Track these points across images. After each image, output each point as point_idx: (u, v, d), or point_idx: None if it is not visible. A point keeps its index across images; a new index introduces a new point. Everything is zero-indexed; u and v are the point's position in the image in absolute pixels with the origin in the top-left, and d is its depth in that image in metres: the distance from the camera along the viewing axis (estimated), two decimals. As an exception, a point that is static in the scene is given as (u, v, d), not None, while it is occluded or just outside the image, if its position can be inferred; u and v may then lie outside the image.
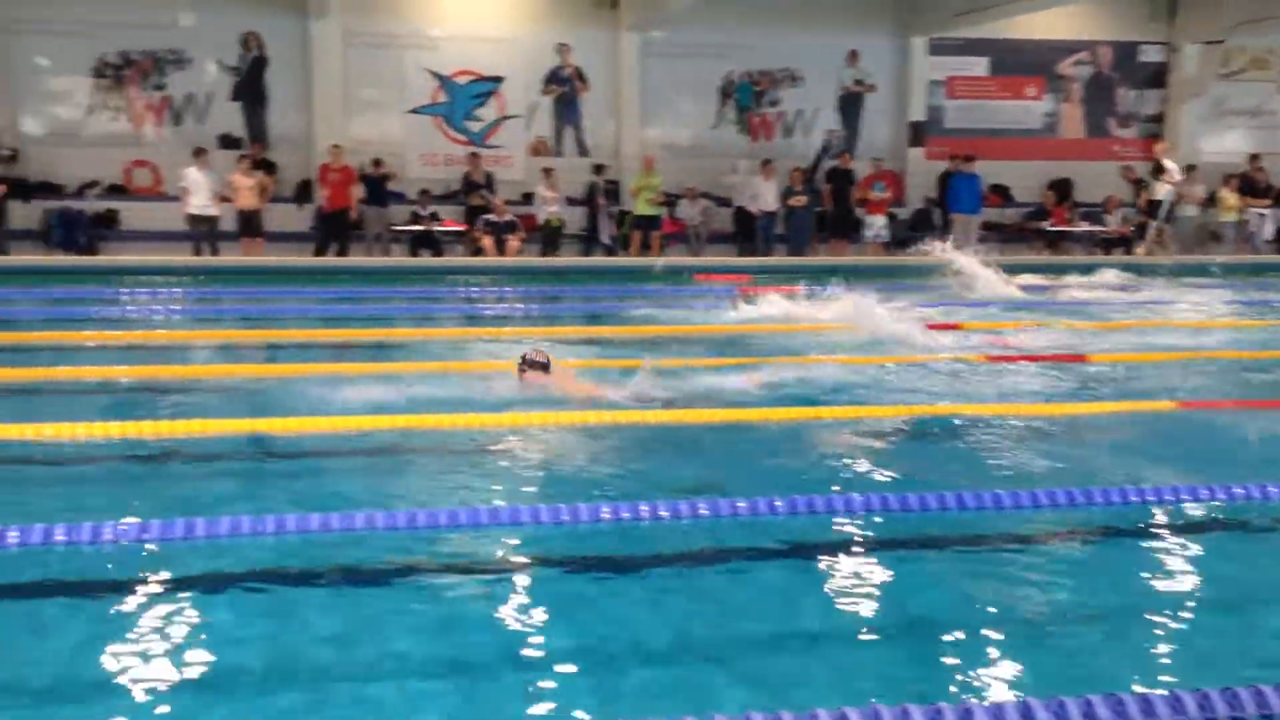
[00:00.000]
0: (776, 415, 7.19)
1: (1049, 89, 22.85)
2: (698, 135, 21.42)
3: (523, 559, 4.81)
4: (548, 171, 19.05)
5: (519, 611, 4.29)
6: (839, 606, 4.44)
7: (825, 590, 4.58)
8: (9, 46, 18.75)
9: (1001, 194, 21.85)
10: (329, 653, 3.91)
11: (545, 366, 7.45)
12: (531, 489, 5.81)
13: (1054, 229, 20.86)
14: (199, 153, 17.30)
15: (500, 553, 4.88)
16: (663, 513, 5.15)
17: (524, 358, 7.48)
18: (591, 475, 5.97)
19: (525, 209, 19.00)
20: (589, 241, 19.57)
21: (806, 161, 20.74)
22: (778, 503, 5.26)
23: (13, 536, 4.64)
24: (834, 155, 20.86)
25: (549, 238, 18.70)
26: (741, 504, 5.22)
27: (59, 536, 4.68)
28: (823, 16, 21.31)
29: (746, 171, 20.14)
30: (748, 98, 21.56)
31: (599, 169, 19.91)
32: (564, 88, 20.63)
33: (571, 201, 19.53)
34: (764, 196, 19.41)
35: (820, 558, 4.88)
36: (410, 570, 4.65)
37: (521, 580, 4.60)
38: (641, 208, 18.80)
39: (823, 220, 19.85)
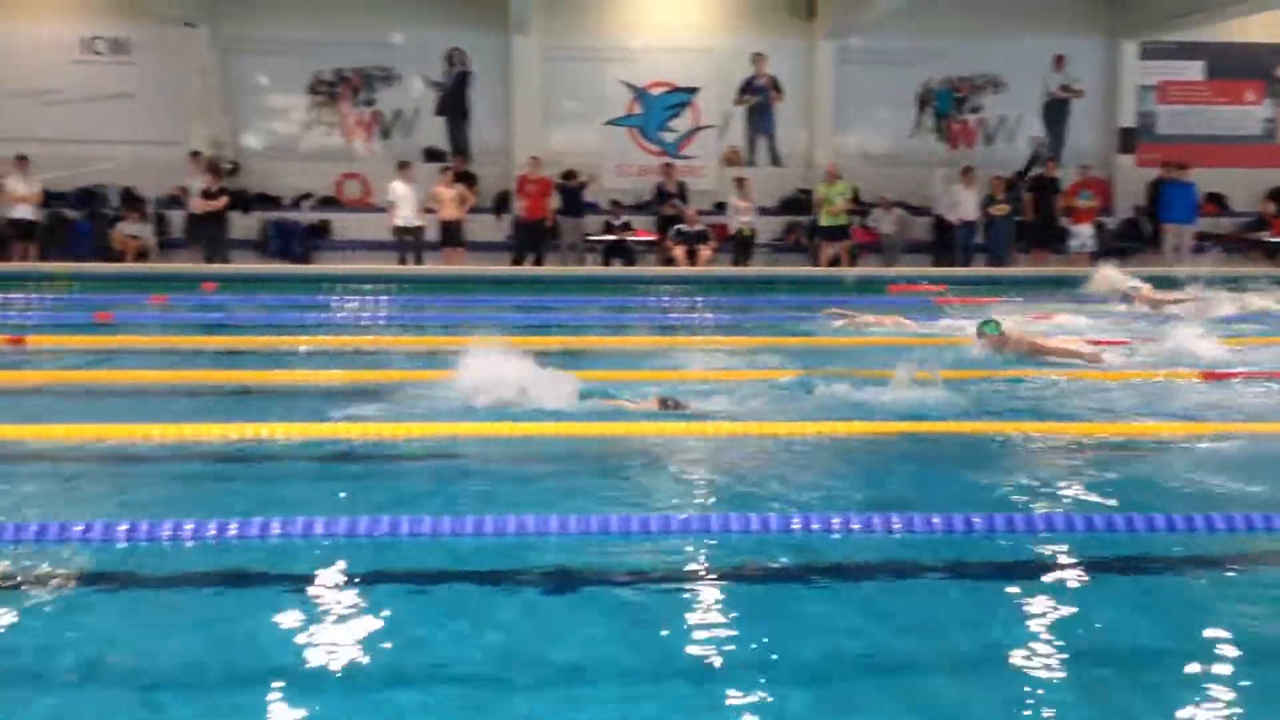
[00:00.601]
0: (969, 429, 6.99)
1: (1269, 94, 21.62)
2: (894, 143, 21.08)
3: (712, 568, 4.79)
4: (740, 181, 19.04)
5: (701, 620, 4.28)
6: (1033, 630, 4.27)
7: (1022, 611, 4.42)
8: (232, 66, 19.88)
9: (1217, 203, 20.76)
10: (524, 654, 3.98)
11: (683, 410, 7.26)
12: (718, 498, 5.80)
13: (1274, 240, 19.71)
14: (404, 166, 17.96)
15: (692, 561, 4.88)
16: (854, 525, 5.07)
17: (662, 401, 7.33)
18: (780, 485, 5.91)
19: (717, 219, 19.05)
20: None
21: (1009, 169, 20.16)
22: (975, 519, 5.11)
23: (232, 529, 4.89)
24: (1040, 163, 20.21)
25: (741, 247, 18.69)
26: (936, 519, 5.09)
27: (275, 529, 4.91)
28: (1026, 21, 20.70)
29: (946, 180, 19.70)
30: (947, 105, 21.10)
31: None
32: (758, 97, 20.59)
33: (764, 211, 19.47)
34: (964, 205, 18.94)
35: (1018, 577, 4.72)
36: (599, 576, 4.70)
37: (708, 589, 4.59)
38: (825, 218, 18.58)
39: (1024, 230, 19.24)
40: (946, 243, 19.17)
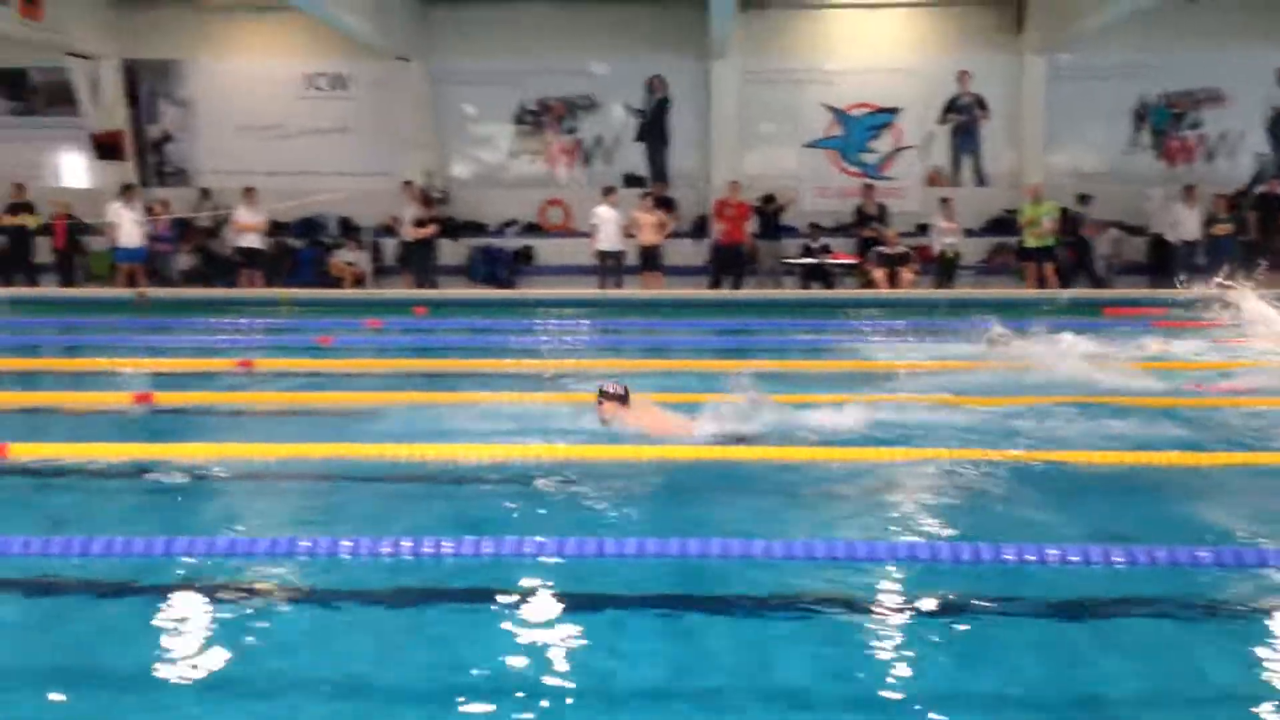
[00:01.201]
0: (1189, 460, 6.64)
1: None
2: (1107, 161, 20.27)
3: (909, 595, 4.68)
4: (945, 201, 18.63)
5: (898, 647, 4.18)
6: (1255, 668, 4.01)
7: (1242, 649, 4.16)
8: (442, 98, 20.62)
9: None
10: (720, 677, 3.96)
11: (623, 399, 7.22)
12: (914, 524, 5.67)
13: None
14: (609, 191, 18.24)
15: (894, 587, 4.78)
16: (1072, 557, 4.87)
17: (601, 389, 7.25)
18: (979, 512, 5.74)
19: (919, 240, 18.69)
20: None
21: (1231, 187, 19.13)
22: (1200, 553, 4.84)
23: (447, 547, 5.03)
24: (1265, 180, 19.11)
25: (944, 269, 18.27)
26: (1160, 552, 4.84)
27: (486, 549, 5.03)
28: (1248, 32, 19.62)
29: (1165, 198, 18.83)
30: (1164, 120, 20.19)
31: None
32: (963, 116, 20.14)
33: (969, 233, 19.00)
34: (1185, 224, 18.07)
35: (1237, 613, 4.45)
36: (801, 601, 4.64)
37: (900, 617, 4.48)
38: (1031, 239, 17.96)
39: (1249, 250, 18.19)
40: (1165, 263, 18.31)
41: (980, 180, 20.30)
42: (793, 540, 5.05)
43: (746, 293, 18.09)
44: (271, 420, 8.43)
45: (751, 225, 18.63)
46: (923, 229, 19.03)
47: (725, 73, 20.00)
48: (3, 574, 5.01)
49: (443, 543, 5.02)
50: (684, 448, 6.92)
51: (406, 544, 5.02)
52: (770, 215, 18.90)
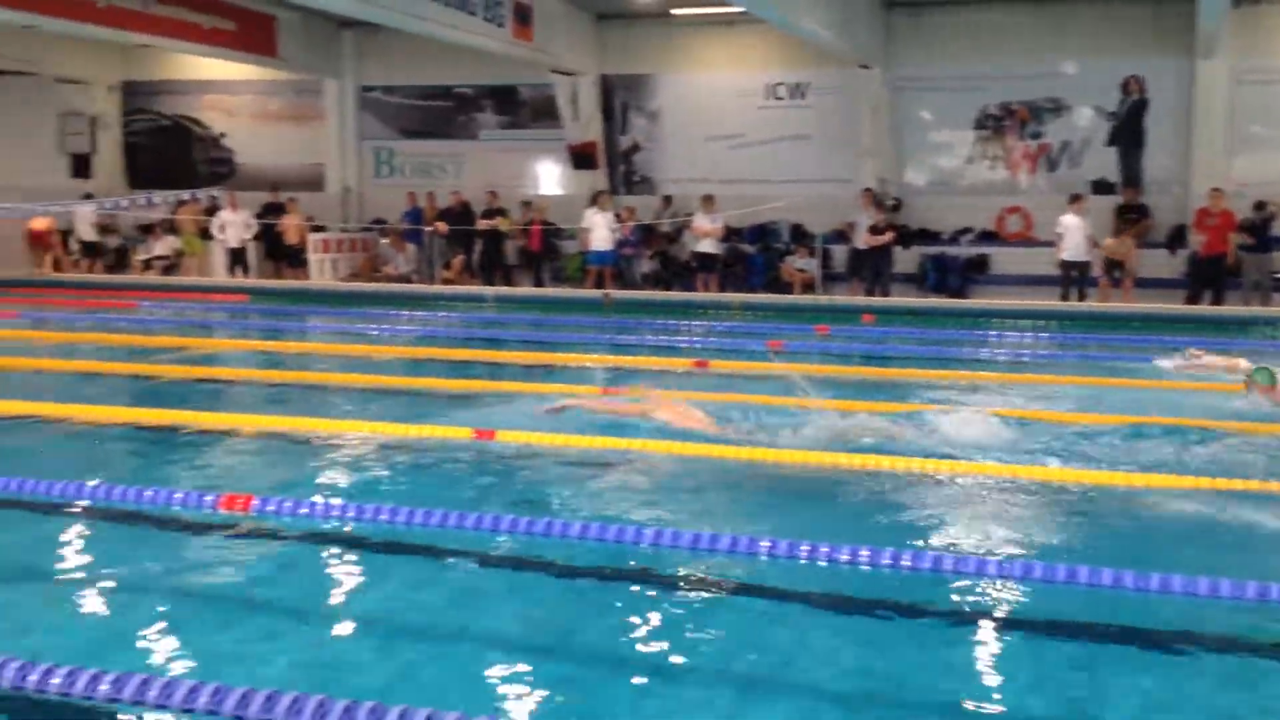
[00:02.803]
0: None
1: None
2: None
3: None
4: None
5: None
6: None
7: None
8: (900, 104, 20.39)
9: None
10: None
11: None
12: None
13: None
14: (1076, 199, 17.26)
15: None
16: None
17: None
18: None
19: None
20: None
21: None
22: None
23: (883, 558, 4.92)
24: None
25: None
26: None
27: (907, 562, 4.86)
28: None
29: None
30: None
31: None
32: None
33: None
34: None
35: None
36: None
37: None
38: None
39: None
40: None
41: None
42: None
43: (1228, 309, 16.50)
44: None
45: (1237, 236, 17.00)
46: None
47: (1212, 72, 18.39)
48: (495, 548, 5.40)
49: (863, 552, 4.91)
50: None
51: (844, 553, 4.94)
52: (1259, 225, 17.14)
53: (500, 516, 5.48)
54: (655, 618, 4.65)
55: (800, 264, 19.35)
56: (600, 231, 19.11)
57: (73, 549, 5.63)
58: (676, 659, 4.26)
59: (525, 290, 19.72)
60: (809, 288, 19.05)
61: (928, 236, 19.97)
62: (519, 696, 3.91)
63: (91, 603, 4.80)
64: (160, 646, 4.29)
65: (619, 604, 4.87)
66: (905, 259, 19.31)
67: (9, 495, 5.93)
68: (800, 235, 20.27)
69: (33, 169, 22.59)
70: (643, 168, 22.23)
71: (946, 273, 19.26)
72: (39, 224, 21.15)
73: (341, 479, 6.74)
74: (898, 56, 20.21)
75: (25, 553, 5.43)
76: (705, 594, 4.89)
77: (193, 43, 19.22)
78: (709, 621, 4.64)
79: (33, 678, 3.47)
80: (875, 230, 18.21)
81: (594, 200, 19.72)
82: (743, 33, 20.74)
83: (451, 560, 5.32)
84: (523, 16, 18.94)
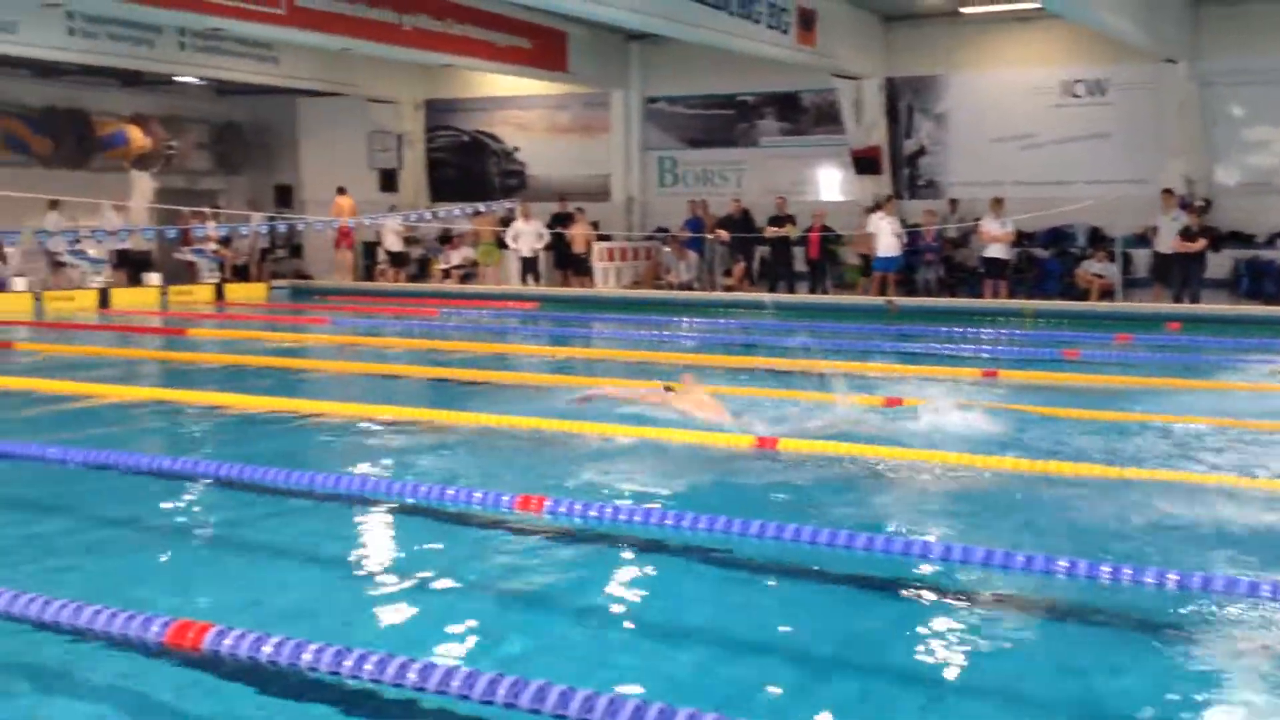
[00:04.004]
0: None
1: None
2: None
3: None
4: None
5: None
6: None
7: None
8: (1207, 99, 19.05)
9: None
10: None
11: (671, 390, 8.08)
12: None
13: None
14: None
15: None
16: None
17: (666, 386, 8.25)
18: None
19: None
20: None
21: None
22: None
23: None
24: None
25: None
26: None
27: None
28: None
29: None
30: None
31: None
32: None
33: None
34: None
35: None
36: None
37: None
38: None
39: None
40: None
41: None
42: None
43: None
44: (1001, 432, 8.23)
45: None
46: None
47: None
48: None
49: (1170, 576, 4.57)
50: None
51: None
52: None
53: (784, 525, 5.43)
54: (938, 631, 4.50)
55: (1098, 269, 18.41)
56: (886, 237, 18.77)
57: (379, 542, 5.96)
58: (958, 674, 4.10)
59: (805, 296, 19.61)
60: (1107, 294, 18.09)
61: (1241, 239, 18.57)
62: (808, 706, 3.85)
63: (395, 594, 5.04)
64: (455, 638, 4.47)
65: (900, 616, 4.73)
66: (1216, 263, 18.03)
67: (324, 489, 6.34)
68: (1098, 239, 19.28)
69: (346, 184, 24.23)
70: (928, 171, 21.70)
71: (1262, 278, 17.87)
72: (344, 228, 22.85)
73: (627, 482, 6.85)
74: (1207, 50, 18.88)
75: (335, 544, 5.78)
76: (996, 611, 4.69)
77: (490, 60, 20.15)
78: (998, 636, 4.44)
79: (347, 663, 3.67)
80: (1187, 235, 17.09)
81: (876, 206, 19.41)
82: (1036, 29, 19.93)
83: (739, 568, 5.30)
84: (806, 22, 18.85)
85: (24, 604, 4.18)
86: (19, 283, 19.26)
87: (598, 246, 21.44)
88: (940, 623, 4.64)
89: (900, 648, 4.36)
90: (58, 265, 20.54)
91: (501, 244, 21.90)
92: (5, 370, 11.90)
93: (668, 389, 8.27)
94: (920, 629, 4.56)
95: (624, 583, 5.24)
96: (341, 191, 23.43)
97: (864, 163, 21.43)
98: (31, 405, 9.69)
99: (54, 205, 20.17)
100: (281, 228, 23.64)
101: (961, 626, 4.58)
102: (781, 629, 4.59)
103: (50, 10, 16.71)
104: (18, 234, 19.36)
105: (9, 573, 4.91)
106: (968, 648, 4.38)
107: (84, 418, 9.12)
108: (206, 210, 22.24)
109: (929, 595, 4.95)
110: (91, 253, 20.22)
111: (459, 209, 21.90)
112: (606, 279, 21.31)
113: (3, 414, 9.38)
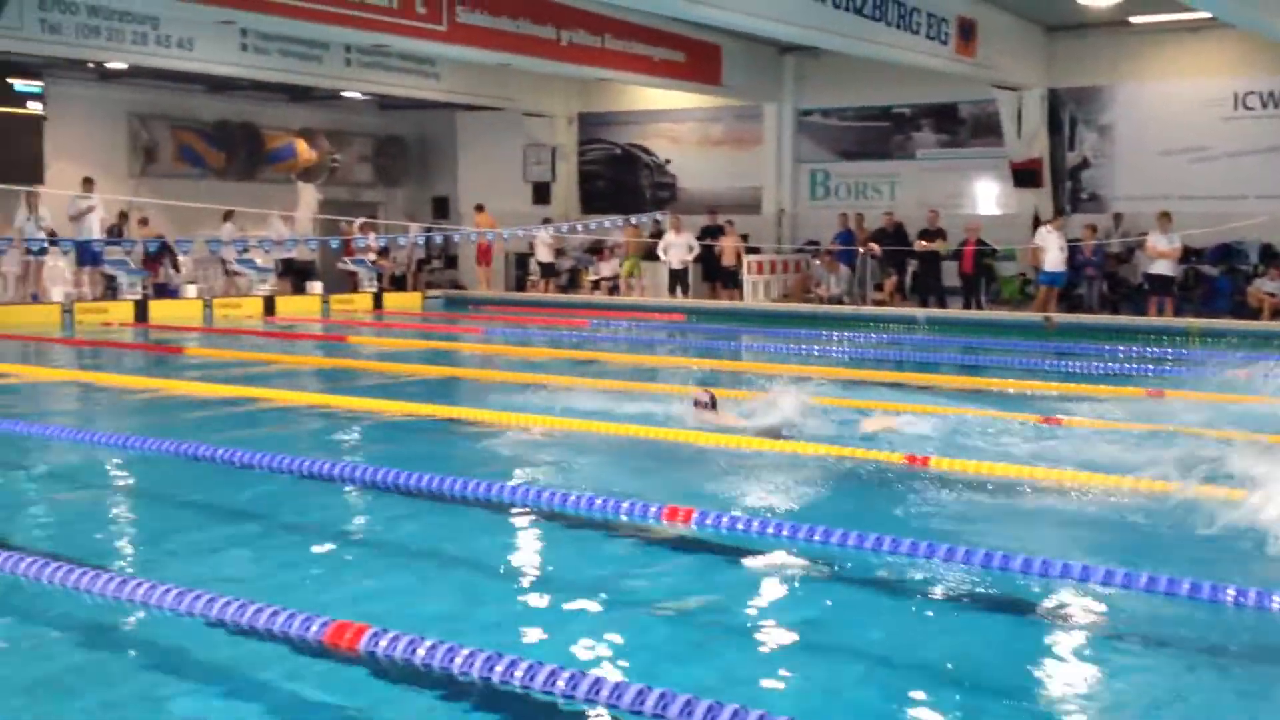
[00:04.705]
0: None
1: None
2: None
3: None
4: None
5: None
6: None
7: None
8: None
9: None
10: None
11: (711, 404, 8.50)
12: None
13: None
14: None
15: None
16: None
17: (696, 399, 8.60)
18: None
19: None
20: None
21: None
22: None
23: None
24: None
25: None
26: None
27: None
28: None
29: None
30: None
31: None
32: None
33: None
34: None
35: None
36: None
37: None
38: None
39: None
40: None
41: None
42: None
43: None
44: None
45: None
46: None
47: None
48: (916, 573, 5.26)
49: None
50: None
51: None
52: None
53: (935, 544, 5.31)
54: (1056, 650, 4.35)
55: (1271, 287, 17.60)
56: (1054, 252, 18.27)
57: (525, 549, 6.04)
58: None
59: (959, 312, 19.21)
60: (1279, 313, 17.29)
61: None
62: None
63: (541, 602, 5.10)
64: (602, 647, 4.49)
65: (1023, 638, 4.60)
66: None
67: (475, 495, 6.45)
68: (1270, 255, 18.44)
69: (501, 196, 24.71)
70: (1091, 184, 21.06)
71: None
72: (483, 244, 23.32)
73: (775, 496, 6.79)
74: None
75: (484, 549, 5.87)
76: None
77: (645, 74, 20.30)
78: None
79: (498, 669, 3.71)
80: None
81: (1037, 220, 18.93)
82: (1208, 39, 19.19)
83: (891, 587, 5.21)
84: (966, 32, 18.50)
85: (191, 601, 4.35)
86: (190, 290, 20.15)
87: (747, 259, 21.39)
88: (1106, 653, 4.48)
89: (1068, 674, 4.23)
90: (229, 274, 21.43)
91: (650, 256, 22.02)
92: (177, 374, 12.46)
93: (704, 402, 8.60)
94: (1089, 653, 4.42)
95: (771, 598, 5.20)
96: (479, 209, 23.93)
97: (1024, 175, 20.90)
98: (201, 408, 10.11)
99: (228, 216, 21.05)
100: (437, 239, 24.20)
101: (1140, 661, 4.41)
102: (941, 650, 4.49)
103: (225, 28, 17.47)
104: (190, 243, 20.29)
105: (179, 570, 5.13)
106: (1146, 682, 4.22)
107: (249, 420, 9.48)
108: (355, 221, 22.93)
109: (1091, 621, 4.78)
110: (259, 261, 21.03)
111: (609, 221, 22.11)
112: (755, 292, 21.23)
113: (174, 416, 9.80)
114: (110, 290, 19.27)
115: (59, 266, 19.25)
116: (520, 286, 24.17)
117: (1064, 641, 4.63)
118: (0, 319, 16.78)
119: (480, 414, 9.20)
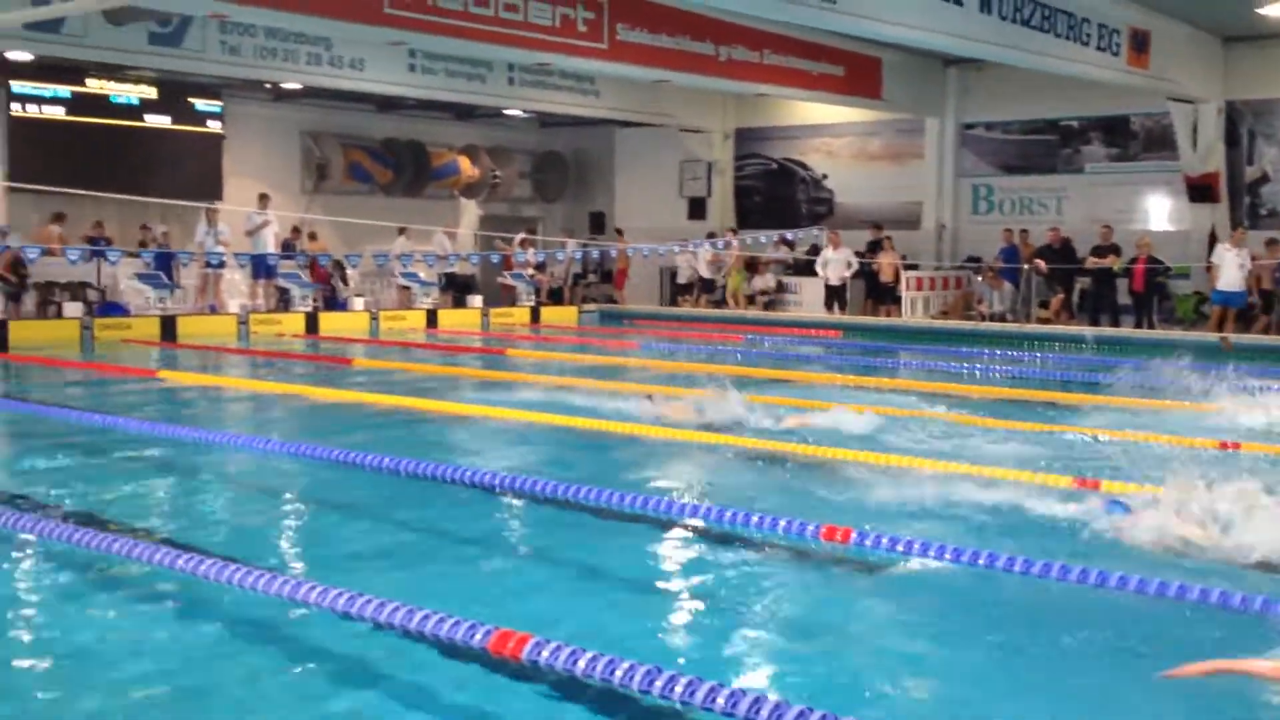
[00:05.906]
0: None
1: None
2: None
3: None
4: None
5: None
6: None
7: None
8: None
9: None
10: None
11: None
12: None
13: None
14: None
15: None
16: None
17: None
18: None
19: None
20: None
21: None
22: None
23: None
24: None
25: None
26: None
27: None
28: None
29: None
30: None
31: None
32: None
33: None
34: None
35: None
36: None
37: None
38: None
39: None
40: None
41: None
42: None
43: None
44: None
45: None
46: None
47: None
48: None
49: None
50: None
51: None
52: None
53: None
54: None
55: None
56: (1230, 270, 17.49)
57: (682, 564, 6.03)
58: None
59: (1129, 331, 18.52)
60: None
61: None
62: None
63: (699, 618, 5.08)
64: (757, 666, 4.45)
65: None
66: None
67: (632, 509, 6.48)
68: None
69: (657, 211, 24.86)
70: (1271, 200, 20.11)
71: None
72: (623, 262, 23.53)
73: (934, 519, 6.64)
74: None
75: (642, 563, 5.89)
76: None
77: (804, 89, 20.18)
78: None
79: (658, 684, 3.70)
80: None
81: (1214, 237, 18.15)
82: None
83: (1055, 613, 5.04)
84: (1139, 43, 17.87)
85: (361, 605, 4.46)
86: (358, 303, 20.80)
87: (906, 275, 21.04)
88: None
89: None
90: (402, 287, 22.05)
91: (803, 270, 21.93)
92: (346, 384, 12.85)
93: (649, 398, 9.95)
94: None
95: (931, 623, 5.07)
96: (619, 233, 24.22)
97: (1199, 190, 20.07)
98: (368, 418, 10.40)
99: (402, 231, 21.69)
100: (594, 254, 24.49)
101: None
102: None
103: (394, 49, 18.02)
104: (358, 257, 20.96)
105: (347, 575, 5.27)
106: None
107: (412, 430, 9.72)
108: (515, 236, 23.39)
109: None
110: (422, 275, 21.58)
111: (765, 236, 22.02)
112: (914, 309, 20.87)
113: (343, 426, 10.11)
114: (283, 303, 20.04)
115: (235, 279, 20.13)
116: (674, 301, 24.25)
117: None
118: (181, 329, 17.61)
119: (636, 428, 9.23)
